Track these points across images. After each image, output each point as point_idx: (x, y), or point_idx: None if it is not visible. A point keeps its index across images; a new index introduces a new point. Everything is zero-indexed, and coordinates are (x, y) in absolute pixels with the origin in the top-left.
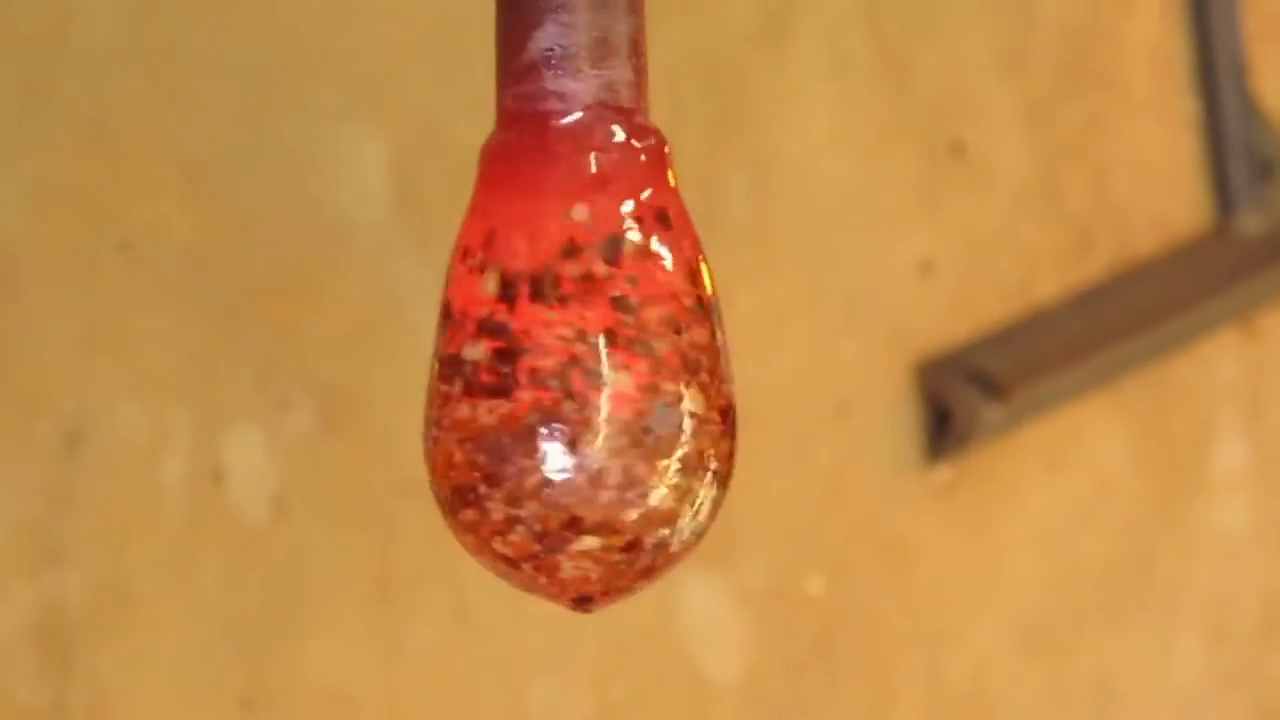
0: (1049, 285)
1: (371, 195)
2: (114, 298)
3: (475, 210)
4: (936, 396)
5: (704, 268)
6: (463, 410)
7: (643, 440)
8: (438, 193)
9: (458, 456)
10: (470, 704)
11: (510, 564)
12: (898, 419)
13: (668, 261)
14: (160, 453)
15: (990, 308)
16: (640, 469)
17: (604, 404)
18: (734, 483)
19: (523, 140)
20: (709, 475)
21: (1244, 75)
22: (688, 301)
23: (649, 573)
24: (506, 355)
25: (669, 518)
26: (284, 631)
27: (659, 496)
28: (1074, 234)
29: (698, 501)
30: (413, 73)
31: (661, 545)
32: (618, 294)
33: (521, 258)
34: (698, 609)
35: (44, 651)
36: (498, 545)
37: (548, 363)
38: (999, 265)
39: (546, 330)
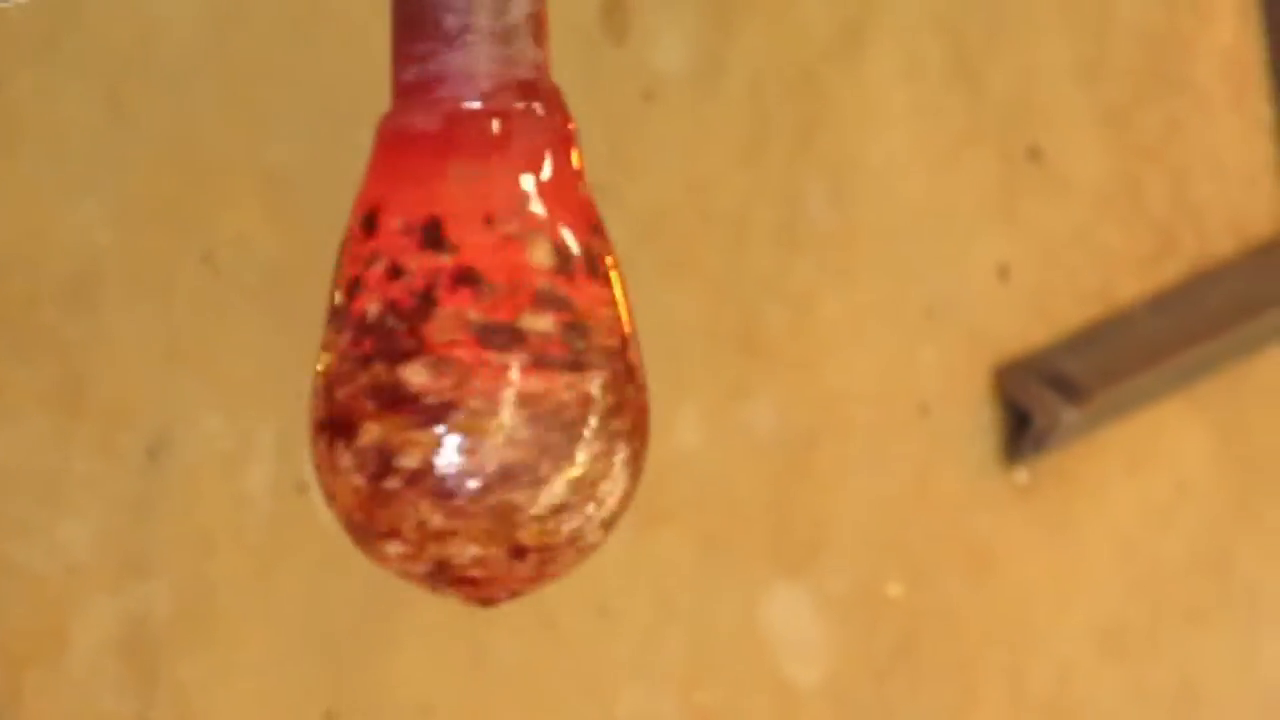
0: (1128, 288)
1: None
2: (197, 309)
3: (369, 186)
4: (1016, 400)
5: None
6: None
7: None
8: None
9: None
10: (557, 713)
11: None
12: (977, 423)
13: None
14: (244, 463)
15: (1069, 311)
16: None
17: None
18: (816, 487)
19: (419, 120)
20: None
21: None
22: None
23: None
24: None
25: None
26: (369, 642)
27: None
28: (1152, 237)
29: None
30: None
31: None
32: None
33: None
34: (781, 615)
35: (129, 663)
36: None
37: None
38: (1077, 269)
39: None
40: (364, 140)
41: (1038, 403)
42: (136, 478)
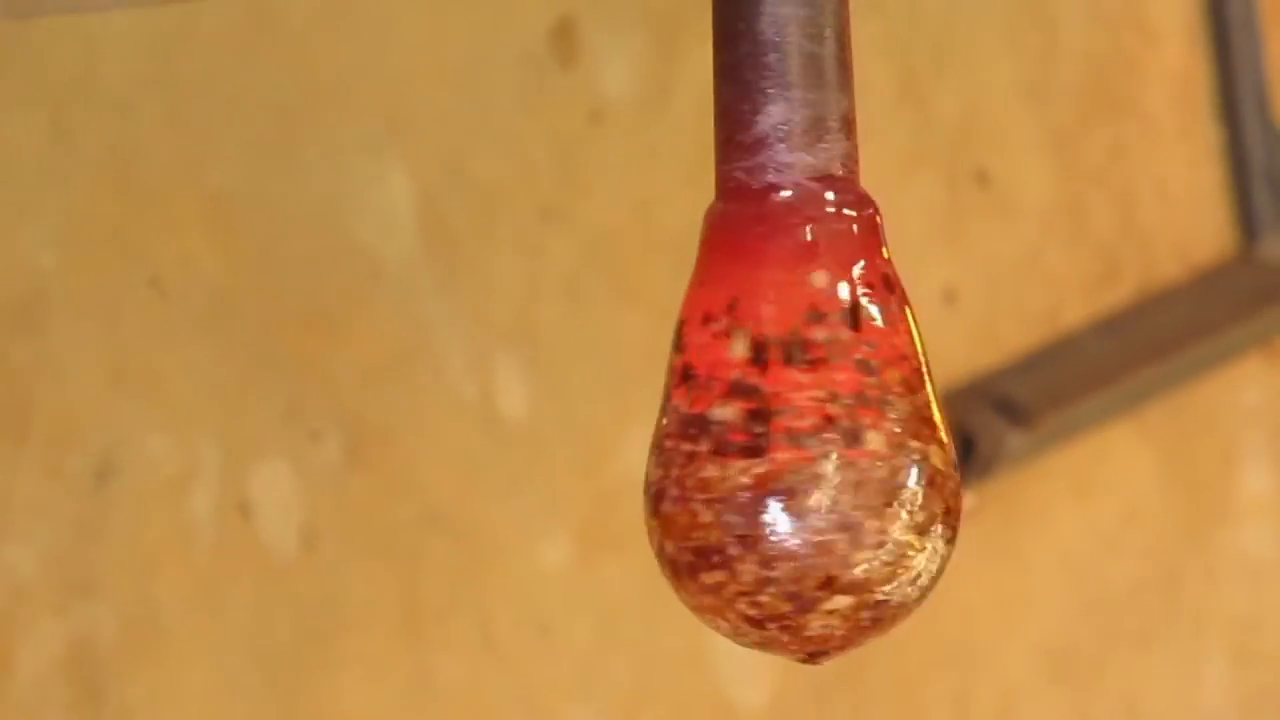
0: (1074, 313)
1: (397, 229)
2: (142, 332)
3: (709, 278)
4: (960, 424)
5: (917, 333)
6: (711, 470)
7: (896, 498)
8: (464, 226)
9: (705, 517)
10: None
11: (754, 624)
12: None
13: (898, 326)
14: (188, 486)
15: (1014, 336)
16: (893, 526)
17: (862, 463)
18: None
19: (748, 211)
20: (946, 530)
21: (1267, 103)
22: (915, 364)
23: (882, 625)
24: (760, 416)
25: (916, 573)
26: (314, 663)
27: (910, 552)
28: (1099, 261)
29: (940, 557)
30: (437, 106)
31: (904, 603)
32: (860, 357)
33: (769, 323)
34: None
35: (75, 685)
36: (743, 606)
37: (803, 424)
38: (1023, 293)
39: (799, 393)
40: (309, 160)
41: (983, 427)
42: (82, 500)
